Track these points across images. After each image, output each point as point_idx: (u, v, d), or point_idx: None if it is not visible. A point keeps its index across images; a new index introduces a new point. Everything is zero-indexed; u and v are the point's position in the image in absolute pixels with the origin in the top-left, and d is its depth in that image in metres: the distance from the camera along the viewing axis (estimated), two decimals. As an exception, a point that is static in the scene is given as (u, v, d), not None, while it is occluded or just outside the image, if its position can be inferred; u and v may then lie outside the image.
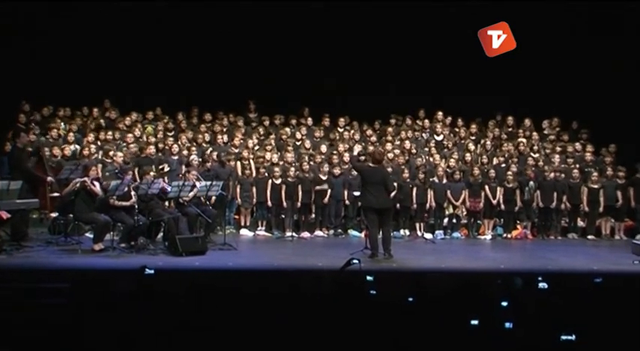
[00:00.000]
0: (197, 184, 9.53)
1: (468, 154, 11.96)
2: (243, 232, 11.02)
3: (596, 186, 11.39)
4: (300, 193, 10.96)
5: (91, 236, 9.03)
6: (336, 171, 11.11)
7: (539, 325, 5.06)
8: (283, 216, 11.07)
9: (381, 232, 8.93)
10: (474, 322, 5.01)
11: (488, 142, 12.34)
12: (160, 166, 10.53)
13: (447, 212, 11.36)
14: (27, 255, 8.40)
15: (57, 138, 11.08)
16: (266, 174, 11.11)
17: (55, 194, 9.60)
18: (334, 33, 12.59)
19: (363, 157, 10.18)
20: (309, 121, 12.78)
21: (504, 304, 5.31)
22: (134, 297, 5.41)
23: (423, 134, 12.71)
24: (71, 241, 9.08)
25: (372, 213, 8.88)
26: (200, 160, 10.73)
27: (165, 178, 10.05)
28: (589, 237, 11.39)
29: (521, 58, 10.95)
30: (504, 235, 11.30)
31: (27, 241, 9.00)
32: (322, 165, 11.18)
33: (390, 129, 12.55)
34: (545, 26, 12.46)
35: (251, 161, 11.31)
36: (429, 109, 12.91)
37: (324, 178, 11.06)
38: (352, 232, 11.16)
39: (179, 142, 11.38)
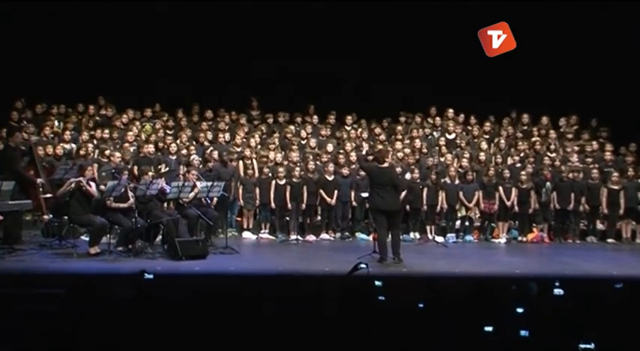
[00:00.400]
0: (198, 184, 9.41)
1: (481, 154, 11.79)
2: (246, 235, 10.90)
3: (616, 187, 11.21)
4: (305, 194, 10.83)
5: (87, 239, 8.94)
6: (344, 171, 10.97)
7: (556, 333, 4.99)
8: (287, 218, 10.94)
9: (390, 236, 8.84)
10: (488, 328, 4.96)
11: (503, 141, 12.22)
12: (159, 166, 10.45)
13: (459, 214, 11.22)
14: (20, 259, 8.33)
15: (52, 136, 11.03)
16: (270, 174, 10.99)
17: (48, 195, 9.51)
18: (335, 33, 12.67)
19: (370, 157, 10.02)
20: (315, 118, 12.67)
21: (520, 310, 5.27)
22: (133, 303, 5.39)
23: (434, 133, 12.61)
24: (66, 244, 9.02)
25: (380, 215, 8.77)
26: (201, 159, 10.62)
27: (164, 178, 9.90)
28: (609, 240, 11.21)
29: (540, 55, 11.21)
30: (520, 238, 11.15)
31: (20, 244, 8.93)
32: (328, 165, 11.02)
33: (399, 127, 12.51)
34: (561, 24, 12.49)
35: (254, 161, 11.22)
36: (440, 107, 12.89)
37: (330, 178, 10.91)
38: (360, 236, 11.02)
39: (178, 141, 11.32)
